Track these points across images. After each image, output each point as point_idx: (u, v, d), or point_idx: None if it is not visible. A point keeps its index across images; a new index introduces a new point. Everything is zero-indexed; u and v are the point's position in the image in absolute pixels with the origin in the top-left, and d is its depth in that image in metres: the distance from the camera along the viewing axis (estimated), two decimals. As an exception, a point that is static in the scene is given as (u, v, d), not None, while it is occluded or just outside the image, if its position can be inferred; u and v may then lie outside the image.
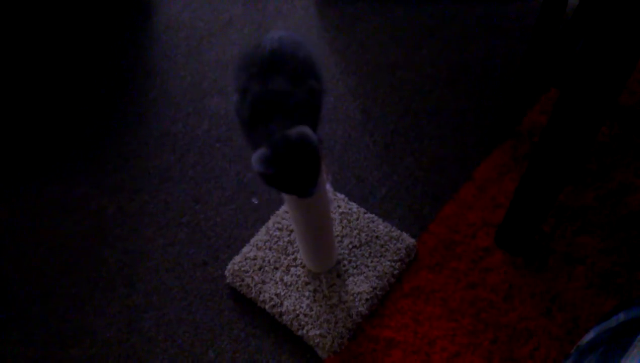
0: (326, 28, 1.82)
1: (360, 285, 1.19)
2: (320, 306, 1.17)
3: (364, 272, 1.22)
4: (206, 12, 1.90)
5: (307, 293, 1.19)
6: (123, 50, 1.82)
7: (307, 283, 1.21)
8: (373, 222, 1.30)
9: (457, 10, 1.80)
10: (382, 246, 1.25)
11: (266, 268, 1.24)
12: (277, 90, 0.84)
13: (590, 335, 0.69)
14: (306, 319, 1.16)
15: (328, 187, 1.06)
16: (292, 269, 1.23)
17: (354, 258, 1.24)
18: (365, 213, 1.31)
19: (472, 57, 1.66)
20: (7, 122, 1.66)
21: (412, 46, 1.71)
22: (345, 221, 1.30)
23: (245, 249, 1.28)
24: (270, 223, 1.32)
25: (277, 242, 1.28)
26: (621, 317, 0.65)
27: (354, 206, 1.33)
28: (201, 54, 1.77)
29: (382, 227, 1.28)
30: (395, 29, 1.77)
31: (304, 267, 1.23)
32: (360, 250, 1.25)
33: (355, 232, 1.28)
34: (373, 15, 1.82)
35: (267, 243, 1.28)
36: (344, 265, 1.23)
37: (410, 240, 1.26)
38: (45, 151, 1.58)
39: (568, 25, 1.33)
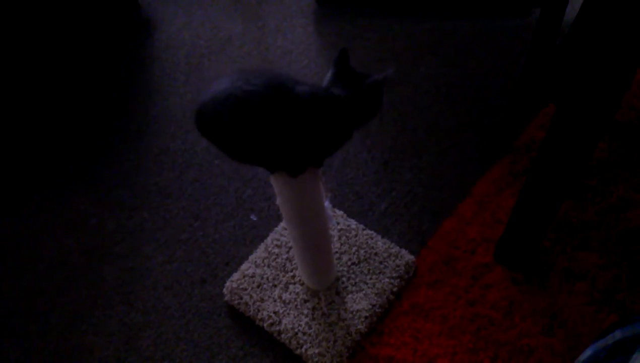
0: (324, 46, 1.84)
1: (360, 303, 1.19)
2: (319, 324, 1.16)
3: (363, 289, 1.21)
4: (206, 30, 1.92)
5: (305, 311, 1.19)
6: (124, 68, 1.84)
7: (305, 301, 1.20)
8: (372, 238, 1.29)
9: (455, 27, 1.82)
10: (381, 263, 1.25)
11: (264, 285, 1.23)
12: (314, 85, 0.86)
13: (587, 353, 0.68)
14: (305, 337, 1.15)
15: (327, 204, 1.06)
16: (291, 286, 1.23)
17: (352, 275, 1.23)
18: (364, 229, 1.31)
19: (470, 73, 1.67)
20: (7, 137, 1.67)
21: (410, 63, 1.72)
22: (344, 238, 1.29)
23: (243, 266, 1.27)
24: (269, 240, 1.31)
25: (275, 259, 1.28)
26: (617, 334, 0.64)
27: (353, 223, 1.33)
28: (201, 72, 1.78)
29: (381, 243, 1.28)
30: (393, 46, 1.79)
31: (302, 284, 1.23)
32: (359, 267, 1.25)
33: (354, 248, 1.28)
34: (371, 33, 1.84)
35: (265, 261, 1.27)
36: (343, 282, 1.22)
37: (410, 257, 1.26)
38: (45, 168, 1.58)
39: (564, 41, 1.34)
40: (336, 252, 1.27)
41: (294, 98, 0.81)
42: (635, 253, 1.23)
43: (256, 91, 0.79)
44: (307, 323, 1.17)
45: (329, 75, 0.90)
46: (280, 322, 1.18)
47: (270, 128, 0.81)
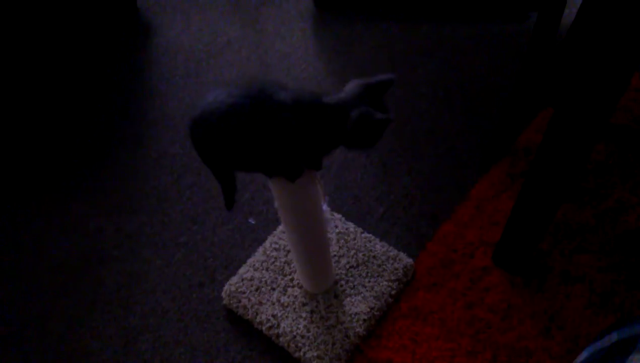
0: (323, 49, 1.84)
1: (358, 306, 1.19)
2: (318, 327, 1.16)
3: (362, 293, 1.21)
4: (205, 34, 1.92)
5: (304, 314, 1.19)
6: (122, 72, 1.84)
7: (304, 304, 1.20)
8: (370, 241, 1.29)
9: (453, 31, 1.83)
10: (379, 266, 1.25)
11: (263, 289, 1.23)
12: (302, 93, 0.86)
13: (584, 355, 0.68)
14: (303, 341, 1.15)
15: (325, 207, 1.06)
16: (289, 290, 1.23)
17: (351, 279, 1.23)
18: (362, 233, 1.31)
19: (467, 76, 1.68)
20: (5, 142, 1.67)
21: (408, 66, 1.73)
22: (342, 241, 1.30)
23: (242, 270, 1.27)
24: (267, 243, 1.32)
25: (274, 262, 1.28)
26: (614, 336, 0.65)
27: (351, 226, 1.33)
28: (200, 76, 1.79)
29: (379, 246, 1.28)
30: (391, 50, 1.79)
31: (301, 287, 1.23)
32: (358, 270, 1.25)
33: (353, 251, 1.28)
34: (369, 37, 1.84)
35: (264, 264, 1.27)
36: (342, 286, 1.23)
37: (408, 260, 1.26)
38: (43, 172, 1.58)
39: (562, 45, 1.35)
40: (334, 255, 1.27)
41: (275, 104, 0.82)
42: (633, 256, 1.23)
43: (236, 102, 0.81)
44: (305, 326, 1.17)
45: (357, 83, 0.87)
46: (278, 325, 1.18)
47: (255, 135, 0.82)
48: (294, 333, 1.16)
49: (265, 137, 0.83)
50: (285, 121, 0.83)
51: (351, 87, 0.88)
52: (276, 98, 0.82)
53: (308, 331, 1.16)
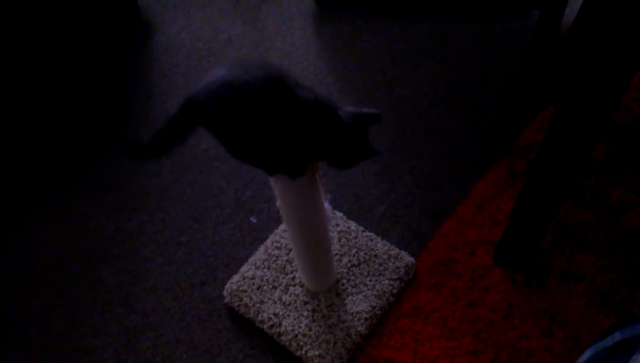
0: (324, 47, 1.84)
1: (359, 305, 1.19)
2: (319, 326, 1.17)
3: (363, 291, 1.21)
4: (205, 32, 1.92)
5: (305, 313, 1.19)
6: (123, 70, 1.84)
7: (305, 303, 1.20)
8: (372, 240, 1.29)
9: (454, 29, 1.82)
10: (381, 265, 1.25)
11: (264, 287, 1.23)
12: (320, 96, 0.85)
13: (586, 355, 0.68)
14: (305, 339, 1.15)
15: (326, 205, 1.06)
16: (291, 288, 1.23)
17: (352, 277, 1.24)
18: (363, 231, 1.31)
19: (468, 75, 1.68)
20: (6, 140, 1.67)
21: (409, 64, 1.73)
22: (343, 239, 1.30)
23: (243, 268, 1.28)
24: (268, 242, 1.32)
25: (275, 261, 1.28)
26: (617, 336, 0.65)
27: (353, 224, 1.33)
28: (200, 74, 1.78)
29: (380, 245, 1.28)
30: (392, 48, 1.79)
31: (302, 286, 1.23)
32: (359, 269, 1.25)
33: (354, 250, 1.28)
34: (370, 35, 1.84)
35: (265, 263, 1.28)
36: (343, 284, 1.23)
37: (409, 259, 1.26)
38: (44, 170, 1.58)
39: (563, 43, 1.35)
40: (336, 254, 1.27)
41: (297, 100, 0.79)
42: (634, 255, 1.23)
43: (253, 83, 0.76)
44: (307, 325, 1.17)
45: (350, 110, 0.88)
46: (280, 324, 1.18)
47: (263, 123, 0.78)
48: (296, 332, 1.16)
49: (270, 127, 0.79)
50: (307, 119, 0.81)
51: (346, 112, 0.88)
52: (299, 94, 0.79)
53: (310, 330, 1.16)
